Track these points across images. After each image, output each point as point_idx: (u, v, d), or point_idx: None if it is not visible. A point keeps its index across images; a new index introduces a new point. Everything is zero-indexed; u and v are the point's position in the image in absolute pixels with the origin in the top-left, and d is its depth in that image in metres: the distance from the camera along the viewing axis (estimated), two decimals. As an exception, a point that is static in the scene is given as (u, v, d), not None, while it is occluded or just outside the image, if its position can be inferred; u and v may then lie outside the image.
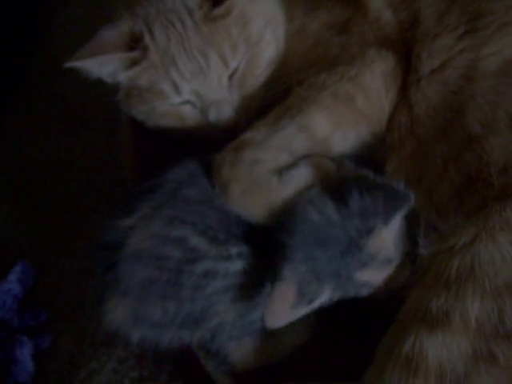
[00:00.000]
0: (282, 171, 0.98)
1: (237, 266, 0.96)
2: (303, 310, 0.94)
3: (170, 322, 0.94)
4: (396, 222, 0.93)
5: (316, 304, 0.94)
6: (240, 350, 1.02)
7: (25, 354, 1.22)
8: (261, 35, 1.08)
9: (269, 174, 0.97)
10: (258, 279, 0.97)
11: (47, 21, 1.89)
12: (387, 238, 0.93)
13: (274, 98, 1.08)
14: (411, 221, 0.96)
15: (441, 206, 0.94)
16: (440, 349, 0.82)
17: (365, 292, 0.95)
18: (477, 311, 0.81)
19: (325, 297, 0.94)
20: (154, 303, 0.93)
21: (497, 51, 0.95)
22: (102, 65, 1.05)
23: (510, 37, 0.95)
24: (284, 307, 0.91)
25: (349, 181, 0.94)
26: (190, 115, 1.10)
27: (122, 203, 1.02)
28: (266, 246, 0.96)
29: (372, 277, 0.94)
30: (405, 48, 1.05)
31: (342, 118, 1.02)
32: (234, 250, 0.96)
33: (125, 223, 0.96)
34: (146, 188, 1.00)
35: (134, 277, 0.92)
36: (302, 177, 0.97)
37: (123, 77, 1.08)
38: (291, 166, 0.98)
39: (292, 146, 1.00)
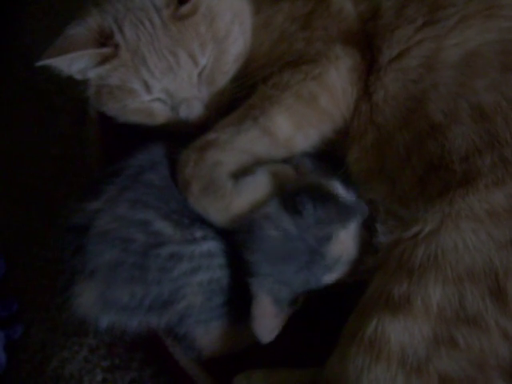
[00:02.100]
0: (238, 176, 0.99)
1: (203, 248, 0.98)
2: (288, 313, 0.97)
3: (137, 306, 0.95)
4: (353, 224, 0.95)
5: (299, 304, 0.98)
6: (207, 335, 1.03)
7: (-4, 344, 1.22)
8: (228, 30, 1.07)
9: (226, 177, 1.00)
10: (224, 261, 0.99)
11: (17, 10, 1.87)
12: (347, 240, 0.96)
13: (243, 93, 1.08)
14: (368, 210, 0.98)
15: (403, 193, 0.95)
16: (402, 333, 0.84)
17: (335, 287, 0.98)
18: (438, 297, 0.83)
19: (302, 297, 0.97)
20: (121, 286, 0.94)
21: (459, 42, 0.96)
22: (72, 62, 1.04)
23: (472, 29, 0.96)
24: (269, 320, 0.95)
25: (302, 191, 0.95)
26: (160, 112, 1.10)
27: (87, 187, 1.04)
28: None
29: (339, 276, 0.97)
30: (366, 41, 1.05)
31: (305, 119, 1.04)
32: (198, 234, 0.98)
33: (91, 206, 0.97)
34: (110, 172, 1.02)
35: (100, 258, 0.93)
36: (256, 185, 0.99)
37: (93, 74, 1.07)
38: (248, 172, 1.00)
39: (254, 148, 1.03)
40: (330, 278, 0.96)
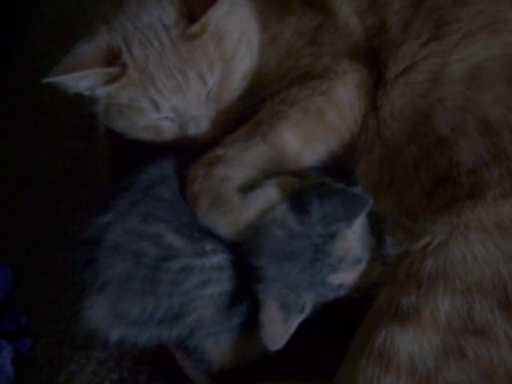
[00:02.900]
0: (246, 191, 1.00)
1: (213, 261, 0.99)
2: (297, 320, 0.97)
3: (148, 319, 0.95)
4: (358, 223, 0.96)
5: (307, 311, 0.98)
6: (217, 347, 1.03)
7: (4, 358, 1.21)
8: (235, 50, 1.08)
9: (234, 192, 1.00)
10: (234, 274, 1.00)
11: (21, 26, 1.89)
12: (352, 239, 0.96)
13: (250, 110, 1.09)
14: (376, 220, 0.99)
15: (411, 206, 0.96)
16: (411, 344, 0.85)
17: (342, 293, 0.98)
18: (447, 308, 0.84)
19: (309, 303, 0.97)
20: (132, 299, 0.95)
21: (464, 57, 0.98)
22: (80, 80, 1.04)
23: (477, 44, 0.98)
24: (277, 327, 0.95)
25: (308, 190, 0.96)
26: (168, 130, 1.11)
27: (98, 201, 1.05)
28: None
29: (345, 278, 0.97)
30: (373, 56, 1.07)
31: (312, 134, 1.05)
32: (209, 247, 0.99)
33: (102, 220, 0.98)
34: (122, 186, 1.02)
35: (112, 270, 0.94)
36: (264, 199, 0.99)
37: (101, 92, 1.08)
38: (256, 186, 1.00)
39: (262, 163, 1.03)
40: (335, 279, 0.96)
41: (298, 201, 0.95)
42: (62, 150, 1.58)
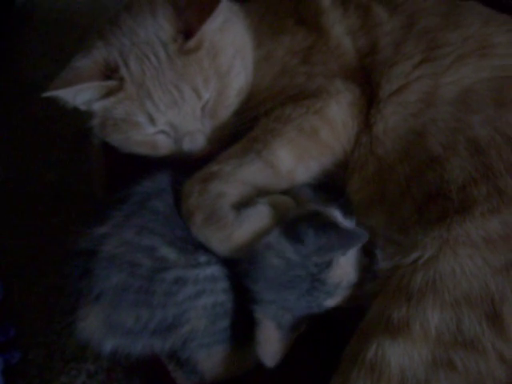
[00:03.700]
0: (241, 208, 1.01)
1: (206, 272, 1.00)
2: (292, 336, 0.99)
3: (142, 330, 0.96)
4: (353, 250, 0.98)
5: (303, 328, 1.00)
6: (210, 359, 1.04)
7: (-6, 369, 1.22)
8: (230, 65, 1.10)
9: (229, 208, 1.01)
10: (227, 285, 1.01)
11: (13, 37, 1.90)
12: (346, 265, 0.98)
13: (245, 126, 1.11)
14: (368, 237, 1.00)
15: (402, 221, 0.98)
16: (402, 356, 0.86)
17: (333, 308, 1.01)
18: (436, 321, 0.86)
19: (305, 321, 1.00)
20: (126, 310, 0.95)
21: (455, 80, 1.01)
22: (77, 94, 1.05)
23: (468, 67, 1.02)
24: (274, 345, 0.98)
25: (303, 220, 0.97)
26: (164, 144, 1.12)
27: (94, 212, 1.05)
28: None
29: (340, 300, 1.00)
30: (365, 75, 1.09)
31: (306, 152, 1.07)
32: (202, 259, 1.01)
33: (98, 231, 0.99)
34: (117, 198, 1.03)
35: (107, 281, 0.95)
36: (257, 217, 1.01)
37: (98, 106, 1.09)
38: (250, 204, 1.02)
39: (257, 180, 1.05)
40: (331, 302, 0.99)
41: (292, 230, 0.96)
42: (51, 162, 1.59)
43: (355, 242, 0.96)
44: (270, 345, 0.97)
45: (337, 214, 1.00)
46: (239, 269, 0.99)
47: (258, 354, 0.96)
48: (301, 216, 0.99)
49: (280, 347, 0.98)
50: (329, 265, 0.96)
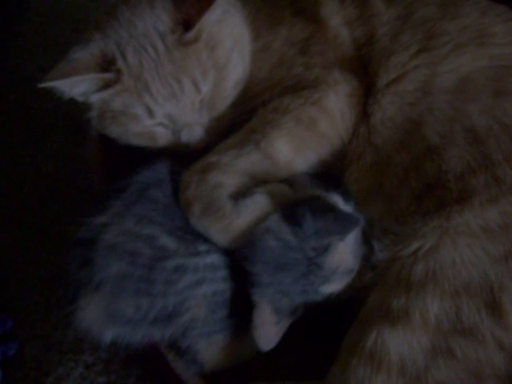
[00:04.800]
0: (238, 198, 1.02)
1: (206, 260, 1.00)
2: (288, 322, 1.00)
3: (142, 318, 0.96)
4: (352, 235, 0.99)
5: (298, 313, 1.00)
6: (210, 348, 1.04)
7: (-9, 361, 1.22)
8: (228, 57, 1.09)
9: (227, 199, 1.02)
10: (227, 274, 1.02)
11: (6, 29, 1.89)
12: (344, 251, 0.98)
13: (242, 118, 1.10)
14: (364, 227, 1.02)
15: (399, 211, 0.99)
16: (401, 344, 0.87)
17: (331, 297, 1.01)
18: (436, 310, 0.87)
19: (301, 307, 1.00)
20: (127, 299, 0.95)
21: (453, 69, 1.02)
22: (74, 85, 1.05)
23: (465, 56, 1.02)
24: (269, 328, 0.98)
25: (302, 204, 0.98)
26: (162, 136, 1.12)
27: (93, 202, 1.05)
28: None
29: (336, 287, 1.00)
30: (362, 65, 1.09)
31: (304, 143, 1.07)
32: (202, 247, 1.01)
33: (98, 220, 0.99)
34: (116, 187, 1.04)
35: (108, 270, 0.95)
36: (256, 207, 1.01)
37: (95, 98, 1.08)
38: (248, 194, 1.02)
39: (255, 171, 1.05)
40: (327, 288, 0.99)
41: (291, 213, 0.97)
42: (47, 154, 1.59)
43: (353, 225, 0.96)
44: (266, 328, 0.97)
45: (337, 199, 1.01)
46: (239, 252, 0.99)
47: (253, 337, 0.96)
48: (301, 199, 1.00)
49: (275, 331, 0.98)
50: (326, 249, 0.96)
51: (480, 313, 0.86)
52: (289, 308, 0.99)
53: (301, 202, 0.99)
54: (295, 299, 0.99)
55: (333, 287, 1.00)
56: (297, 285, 0.97)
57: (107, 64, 1.05)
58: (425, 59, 1.03)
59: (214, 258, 1.01)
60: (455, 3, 1.10)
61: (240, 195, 1.03)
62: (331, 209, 0.97)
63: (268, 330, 0.98)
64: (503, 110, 0.97)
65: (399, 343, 0.87)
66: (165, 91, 1.05)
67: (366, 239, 1.02)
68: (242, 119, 1.11)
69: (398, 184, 1.00)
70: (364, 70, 1.09)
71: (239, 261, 0.99)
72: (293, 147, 1.06)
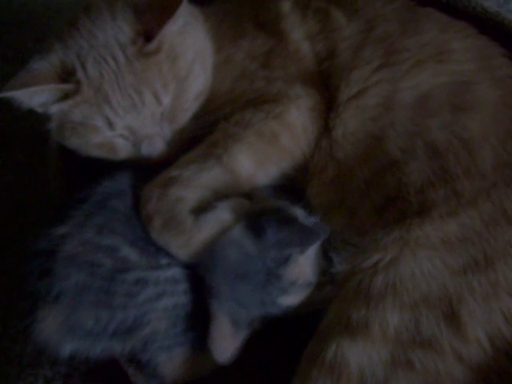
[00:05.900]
0: (199, 213, 1.01)
1: (167, 273, 1.00)
2: (244, 334, 0.99)
3: (102, 331, 0.95)
4: (312, 249, 0.99)
5: (255, 326, 1.00)
6: (171, 361, 1.04)
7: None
8: (189, 70, 1.09)
9: (187, 214, 1.02)
10: (188, 287, 1.02)
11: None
12: (304, 264, 0.99)
13: (204, 130, 1.10)
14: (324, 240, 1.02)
15: (361, 223, 1.00)
16: (361, 356, 0.87)
17: (290, 310, 1.01)
18: (395, 322, 0.88)
19: (258, 319, 1.00)
20: (86, 311, 0.94)
21: (413, 85, 1.03)
22: (33, 95, 1.03)
23: (425, 72, 1.04)
24: (226, 340, 0.97)
25: (265, 214, 0.98)
26: (122, 148, 1.11)
27: (54, 212, 1.04)
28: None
29: (294, 300, 1.01)
30: (323, 80, 1.10)
31: (266, 157, 1.07)
32: (164, 261, 1.01)
33: (58, 231, 0.98)
34: (77, 198, 1.03)
35: (67, 281, 0.94)
36: (216, 222, 1.01)
37: (55, 109, 1.06)
38: (209, 208, 1.02)
39: (216, 185, 1.05)
40: (285, 300, 0.99)
41: (254, 222, 0.97)
42: (8, 164, 1.56)
43: (314, 239, 0.97)
44: (223, 340, 0.97)
45: (299, 212, 1.01)
46: (199, 264, 0.99)
47: (210, 350, 0.96)
48: (264, 210, 1.00)
49: (233, 343, 0.98)
50: (286, 261, 0.96)
51: (439, 325, 0.86)
52: (246, 320, 0.99)
53: (266, 211, 0.99)
54: (253, 311, 0.99)
55: (291, 299, 1.00)
56: (255, 295, 0.97)
57: (67, 75, 1.04)
58: (386, 74, 1.05)
59: (175, 272, 1.01)
60: (416, 19, 1.11)
61: (201, 209, 1.02)
62: (293, 221, 0.98)
63: (225, 342, 0.97)
64: (462, 125, 0.98)
65: (359, 355, 0.87)
66: (125, 103, 1.04)
67: (325, 252, 1.02)
68: (203, 132, 1.10)
69: (360, 197, 1.01)
70: (326, 84, 1.10)
71: (199, 273, 0.99)
72: (254, 161, 1.06)
